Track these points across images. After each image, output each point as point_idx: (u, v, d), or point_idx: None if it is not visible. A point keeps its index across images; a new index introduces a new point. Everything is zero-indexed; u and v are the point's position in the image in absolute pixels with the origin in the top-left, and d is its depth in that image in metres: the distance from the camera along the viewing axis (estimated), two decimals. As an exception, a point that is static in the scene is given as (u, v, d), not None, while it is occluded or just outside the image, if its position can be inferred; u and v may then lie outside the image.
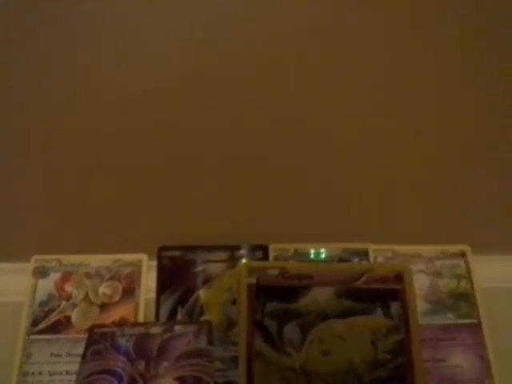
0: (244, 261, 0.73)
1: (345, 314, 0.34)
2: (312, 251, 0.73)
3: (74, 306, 0.70)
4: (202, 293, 0.72)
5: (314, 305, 0.34)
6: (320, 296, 0.35)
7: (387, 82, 0.76)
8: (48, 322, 0.69)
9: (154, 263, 0.73)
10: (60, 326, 0.69)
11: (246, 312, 0.34)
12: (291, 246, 0.73)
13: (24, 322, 0.69)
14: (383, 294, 0.35)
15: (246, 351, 0.34)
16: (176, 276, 0.73)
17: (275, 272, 0.36)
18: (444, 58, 0.75)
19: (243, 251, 0.74)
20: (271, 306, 0.35)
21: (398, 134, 0.78)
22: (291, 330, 0.34)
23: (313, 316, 0.34)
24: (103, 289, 0.71)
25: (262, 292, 0.35)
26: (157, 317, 0.71)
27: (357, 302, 0.35)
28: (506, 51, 0.76)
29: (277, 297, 0.35)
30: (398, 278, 0.35)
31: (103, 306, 0.70)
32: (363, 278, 0.35)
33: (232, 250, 0.74)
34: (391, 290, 0.35)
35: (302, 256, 0.72)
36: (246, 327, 0.34)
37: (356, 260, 0.73)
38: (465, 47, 0.75)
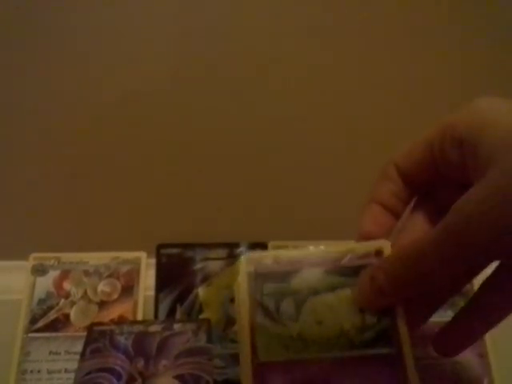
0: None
1: (333, 288, 0.38)
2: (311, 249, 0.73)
3: (73, 303, 0.70)
4: (200, 291, 0.71)
5: (305, 283, 0.39)
6: (310, 275, 0.39)
7: (387, 82, 0.76)
8: (46, 319, 0.69)
9: (153, 261, 0.73)
10: (59, 323, 0.68)
11: (248, 294, 0.39)
12: (290, 244, 0.73)
13: (22, 320, 0.68)
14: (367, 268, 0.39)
15: (249, 326, 0.38)
16: (175, 274, 0.72)
17: (270, 260, 0.40)
18: (444, 59, 0.75)
19: (242, 249, 0.74)
20: (268, 287, 0.39)
21: (399, 134, 0.78)
22: (287, 305, 0.38)
23: (305, 292, 0.38)
24: (102, 287, 0.71)
25: (260, 277, 0.39)
26: (156, 315, 0.70)
27: (343, 277, 0.39)
28: (507, 52, 0.76)
29: (273, 280, 0.39)
30: (379, 252, 0.39)
31: (102, 304, 0.70)
32: (347, 258, 0.39)
33: (231, 247, 0.74)
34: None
35: (302, 253, 0.72)
36: (248, 306, 0.38)
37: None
38: (465, 47, 0.75)
